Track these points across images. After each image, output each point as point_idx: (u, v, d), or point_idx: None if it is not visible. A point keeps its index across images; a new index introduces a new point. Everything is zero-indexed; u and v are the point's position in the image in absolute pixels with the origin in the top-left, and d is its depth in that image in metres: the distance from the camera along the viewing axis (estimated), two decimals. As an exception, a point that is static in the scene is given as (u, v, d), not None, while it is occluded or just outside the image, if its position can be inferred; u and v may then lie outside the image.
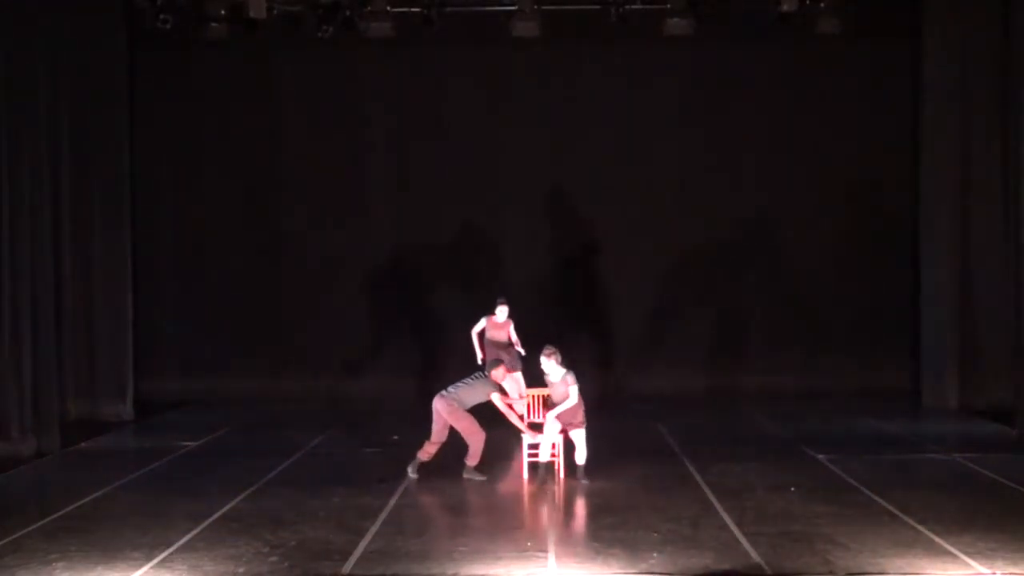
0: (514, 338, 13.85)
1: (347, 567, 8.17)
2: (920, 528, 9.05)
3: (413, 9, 15.90)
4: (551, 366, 11.03)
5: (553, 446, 11.18)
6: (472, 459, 11.26)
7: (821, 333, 17.30)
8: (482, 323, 13.92)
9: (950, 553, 8.33)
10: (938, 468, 11.76)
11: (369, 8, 15.59)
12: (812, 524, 9.24)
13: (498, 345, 13.77)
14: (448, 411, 11.13)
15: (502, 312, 13.83)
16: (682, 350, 17.38)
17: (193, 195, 17.68)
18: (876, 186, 17.42)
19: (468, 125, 17.51)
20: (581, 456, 11.04)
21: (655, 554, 8.40)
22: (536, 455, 11.15)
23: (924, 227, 16.38)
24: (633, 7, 15.73)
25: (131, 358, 16.02)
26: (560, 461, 11.22)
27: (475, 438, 11.20)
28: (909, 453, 12.59)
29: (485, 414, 11.30)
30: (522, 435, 11.27)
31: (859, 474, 11.14)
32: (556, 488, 10.92)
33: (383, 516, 9.72)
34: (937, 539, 8.70)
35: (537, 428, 11.27)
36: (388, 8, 15.61)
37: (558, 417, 10.98)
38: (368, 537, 8.99)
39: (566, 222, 17.58)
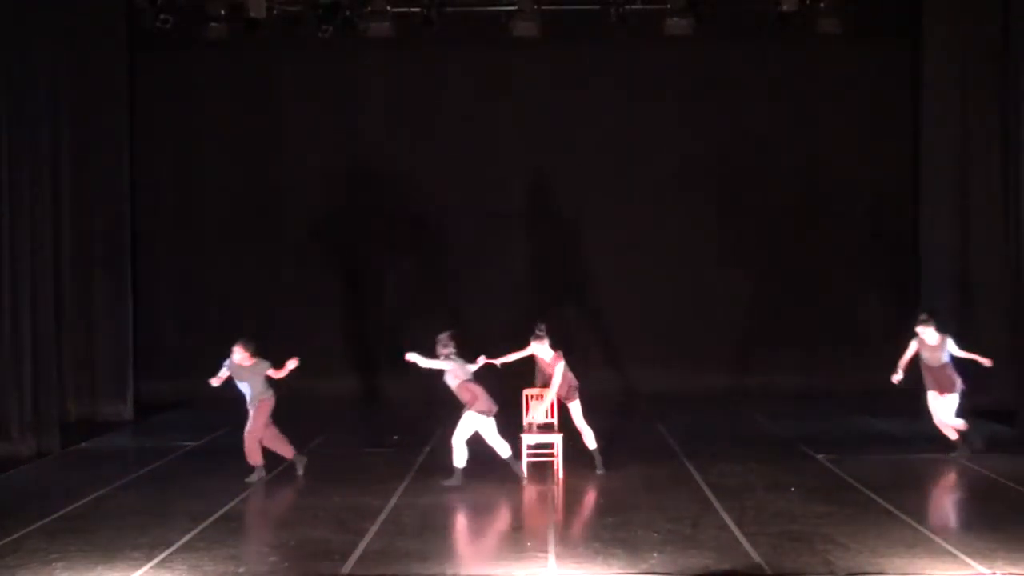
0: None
1: (347, 567, 8.17)
2: (920, 528, 9.04)
3: (413, 9, 15.92)
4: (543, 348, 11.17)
5: (552, 446, 11.20)
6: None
7: (821, 333, 17.30)
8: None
9: (950, 553, 8.33)
10: (938, 468, 11.76)
11: (369, 8, 15.61)
12: (812, 524, 9.24)
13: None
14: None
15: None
16: (682, 350, 17.37)
17: (193, 195, 17.69)
18: (876, 186, 17.43)
19: (468, 125, 17.50)
20: (591, 440, 11.25)
21: (655, 554, 8.40)
22: (536, 455, 11.17)
23: (924, 227, 16.39)
24: (633, 7, 15.75)
25: (131, 358, 16.02)
26: (560, 461, 11.23)
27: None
28: (909, 453, 12.58)
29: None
30: (522, 436, 11.28)
31: (859, 474, 11.14)
32: (556, 488, 10.93)
33: (383, 516, 9.72)
34: (937, 539, 8.70)
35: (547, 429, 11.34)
36: (388, 8, 15.63)
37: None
38: (368, 537, 8.99)
39: (566, 222, 17.57)
